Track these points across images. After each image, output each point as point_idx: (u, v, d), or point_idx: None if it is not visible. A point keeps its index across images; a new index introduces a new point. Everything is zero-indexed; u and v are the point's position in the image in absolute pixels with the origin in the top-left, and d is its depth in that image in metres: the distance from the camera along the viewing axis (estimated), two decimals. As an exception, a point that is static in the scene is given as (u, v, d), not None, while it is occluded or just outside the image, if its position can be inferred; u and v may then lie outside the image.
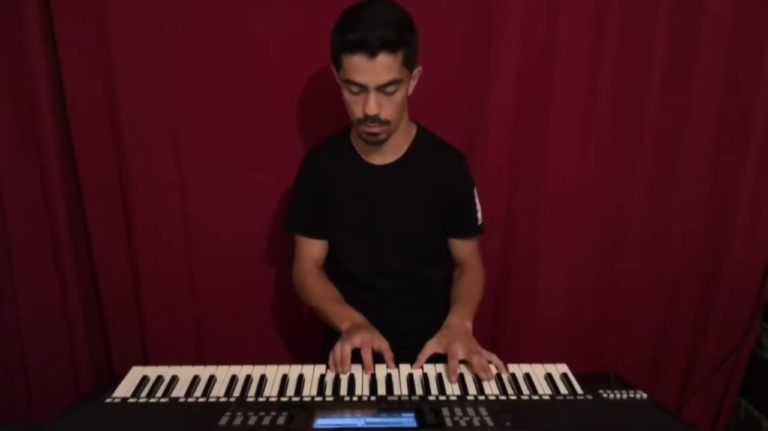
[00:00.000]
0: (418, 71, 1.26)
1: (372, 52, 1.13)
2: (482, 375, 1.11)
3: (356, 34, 1.12)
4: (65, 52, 1.48)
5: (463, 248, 1.43)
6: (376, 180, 1.36)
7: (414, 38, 1.20)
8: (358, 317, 1.27)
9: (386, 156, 1.36)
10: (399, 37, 1.14)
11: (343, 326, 1.24)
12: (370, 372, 1.13)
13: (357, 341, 1.16)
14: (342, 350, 1.14)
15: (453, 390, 1.08)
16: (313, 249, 1.42)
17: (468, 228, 1.42)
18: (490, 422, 0.91)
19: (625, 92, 1.61)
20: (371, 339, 1.17)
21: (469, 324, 1.26)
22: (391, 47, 1.13)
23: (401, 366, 1.17)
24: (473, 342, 1.20)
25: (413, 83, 1.26)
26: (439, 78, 1.53)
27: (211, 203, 1.65)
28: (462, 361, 1.15)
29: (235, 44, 1.52)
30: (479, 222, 1.42)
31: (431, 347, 1.19)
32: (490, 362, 1.15)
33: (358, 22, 1.13)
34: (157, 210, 1.63)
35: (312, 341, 1.75)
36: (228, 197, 1.65)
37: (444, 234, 1.43)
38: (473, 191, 1.41)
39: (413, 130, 1.39)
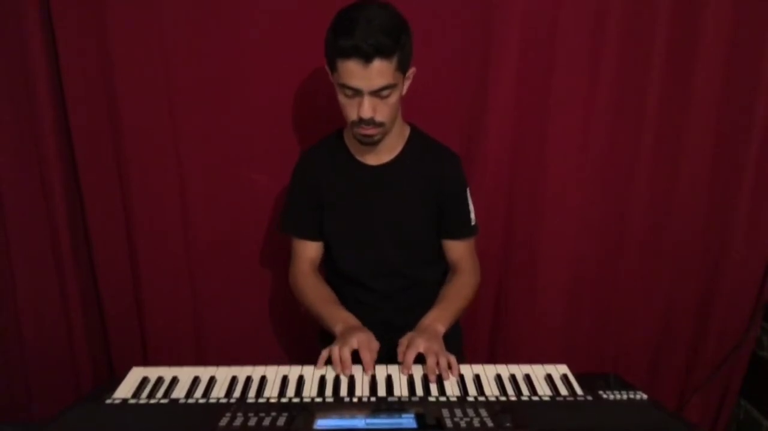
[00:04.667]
0: (411, 72, 1.26)
1: (366, 59, 1.12)
2: (431, 376, 1.11)
3: (350, 40, 1.12)
4: (65, 52, 1.48)
5: (456, 249, 1.42)
6: (371, 180, 1.36)
7: (408, 41, 1.20)
8: (351, 318, 1.27)
9: (381, 156, 1.36)
10: (393, 43, 1.14)
11: (337, 328, 1.24)
12: (371, 373, 1.13)
13: (354, 343, 1.16)
14: (342, 353, 1.14)
15: (453, 390, 1.08)
16: (308, 251, 1.42)
17: (461, 229, 1.41)
18: (490, 423, 0.91)
19: (625, 92, 1.61)
20: (368, 341, 1.17)
21: (441, 328, 1.24)
22: (385, 53, 1.13)
23: (401, 367, 1.17)
24: (437, 343, 1.19)
25: (407, 83, 1.26)
26: (439, 78, 1.53)
27: (211, 203, 1.65)
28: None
29: (235, 45, 1.52)
30: (472, 223, 1.42)
31: (401, 345, 1.19)
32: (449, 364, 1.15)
33: (353, 26, 1.12)
34: (157, 210, 1.63)
35: (312, 341, 1.75)
36: (228, 197, 1.66)
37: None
38: (466, 191, 1.40)
39: (407, 130, 1.39)
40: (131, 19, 1.47)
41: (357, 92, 1.18)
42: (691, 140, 1.65)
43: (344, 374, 1.13)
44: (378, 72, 1.14)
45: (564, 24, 1.54)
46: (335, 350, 1.15)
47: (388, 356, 1.21)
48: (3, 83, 1.50)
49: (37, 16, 1.44)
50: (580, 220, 1.71)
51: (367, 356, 1.14)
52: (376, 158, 1.36)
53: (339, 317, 1.28)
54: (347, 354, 1.13)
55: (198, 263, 1.70)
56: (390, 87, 1.18)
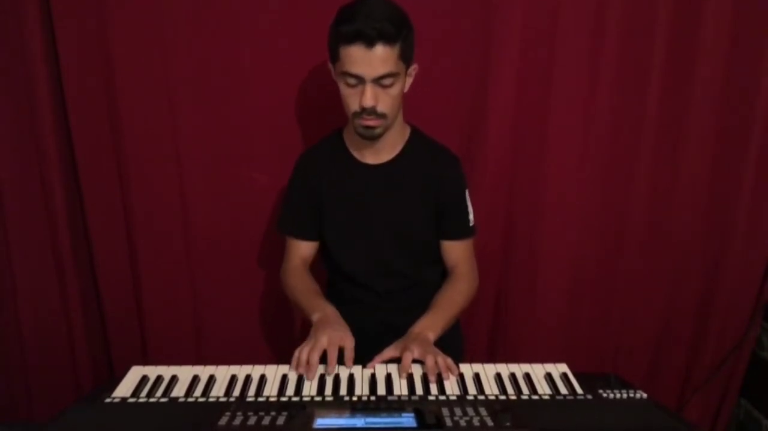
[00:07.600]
0: (414, 69, 1.26)
1: (369, 43, 1.13)
2: (431, 376, 1.10)
3: (354, 25, 1.13)
4: (65, 52, 1.48)
5: (454, 251, 1.42)
6: (371, 180, 1.36)
7: (410, 34, 1.20)
8: (329, 309, 1.28)
9: (380, 155, 1.36)
10: (396, 30, 1.15)
11: (314, 317, 1.25)
12: (333, 372, 1.12)
13: (324, 341, 1.15)
14: (310, 357, 1.12)
15: (453, 389, 1.08)
16: (302, 249, 1.43)
17: (459, 229, 1.41)
18: (489, 422, 0.91)
19: (625, 92, 1.61)
20: (340, 338, 1.16)
21: (431, 336, 1.24)
22: (388, 39, 1.14)
23: (399, 368, 1.16)
24: (430, 347, 1.19)
25: (409, 80, 1.27)
26: (439, 78, 1.53)
27: (211, 203, 1.65)
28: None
29: (235, 45, 1.52)
30: (471, 224, 1.41)
31: (389, 352, 1.18)
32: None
33: (356, 14, 1.14)
34: (157, 210, 1.63)
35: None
36: (228, 197, 1.66)
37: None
38: (465, 192, 1.40)
39: (407, 131, 1.39)
40: (131, 19, 1.47)
41: (359, 80, 1.18)
42: (691, 140, 1.65)
43: (308, 378, 1.11)
44: (380, 58, 1.15)
45: (564, 24, 1.54)
46: (304, 350, 1.14)
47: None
48: (3, 83, 1.50)
49: (37, 16, 1.44)
50: (580, 220, 1.71)
51: (332, 353, 1.13)
52: (375, 158, 1.36)
53: (317, 307, 1.28)
54: (315, 358, 1.12)
55: (198, 263, 1.70)
56: (392, 75, 1.18)
